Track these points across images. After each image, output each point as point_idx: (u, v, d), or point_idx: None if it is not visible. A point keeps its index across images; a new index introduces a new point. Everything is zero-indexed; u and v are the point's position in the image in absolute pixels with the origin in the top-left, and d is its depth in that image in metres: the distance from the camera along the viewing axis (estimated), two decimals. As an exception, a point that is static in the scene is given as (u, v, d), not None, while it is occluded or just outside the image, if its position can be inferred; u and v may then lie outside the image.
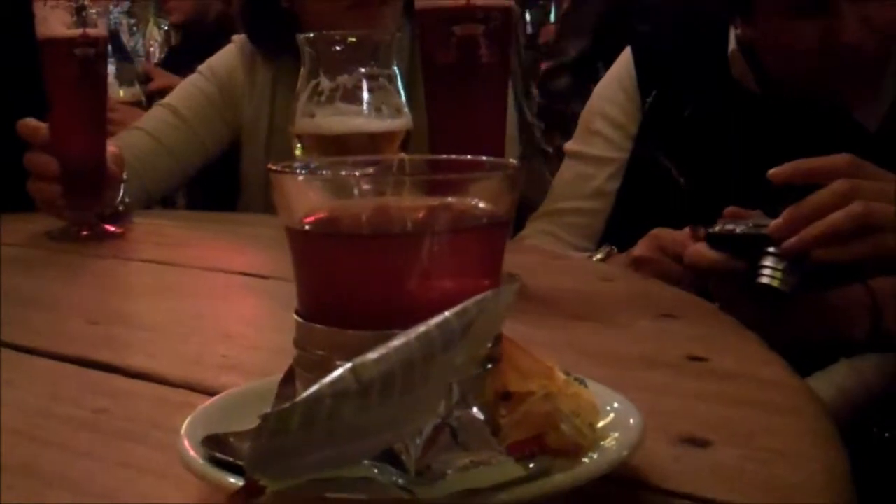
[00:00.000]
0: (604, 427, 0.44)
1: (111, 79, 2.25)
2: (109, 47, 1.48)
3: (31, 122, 1.24)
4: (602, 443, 0.43)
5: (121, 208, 1.29)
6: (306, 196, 0.44)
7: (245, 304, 0.95)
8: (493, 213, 0.42)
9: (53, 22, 1.21)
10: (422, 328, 0.37)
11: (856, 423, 0.98)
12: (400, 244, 0.42)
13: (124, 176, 1.30)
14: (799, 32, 1.12)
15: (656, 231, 1.09)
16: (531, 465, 0.40)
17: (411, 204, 0.42)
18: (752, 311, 0.84)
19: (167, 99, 1.65)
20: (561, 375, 0.45)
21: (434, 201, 0.42)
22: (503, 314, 0.39)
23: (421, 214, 0.42)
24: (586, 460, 0.42)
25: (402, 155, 0.90)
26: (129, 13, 3.49)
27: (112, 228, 1.26)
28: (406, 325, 0.37)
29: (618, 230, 1.27)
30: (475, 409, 0.40)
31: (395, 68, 0.94)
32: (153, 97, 2.31)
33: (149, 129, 1.58)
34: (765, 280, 0.93)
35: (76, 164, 1.23)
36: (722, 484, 0.46)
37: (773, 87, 1.21)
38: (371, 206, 0.42)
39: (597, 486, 0.42)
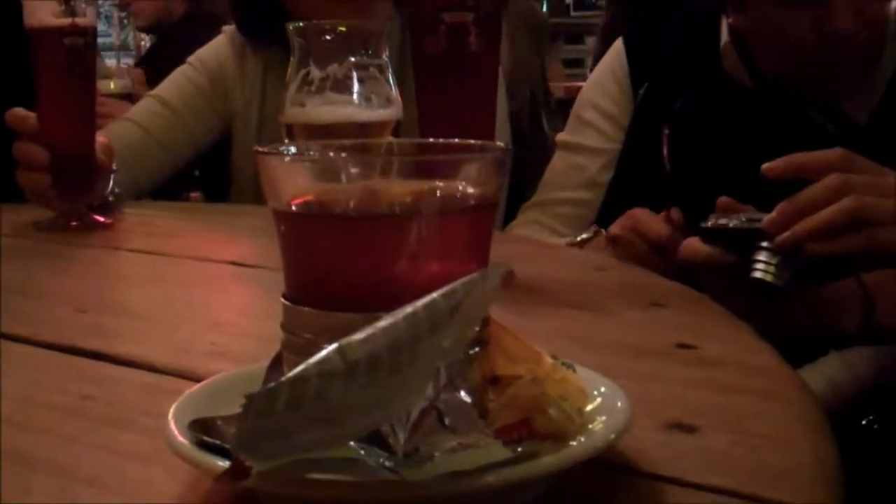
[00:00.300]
0: (591, 411, 0.44)
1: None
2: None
3: (20, 111, 1.23)
4: (589, 426, 0.43)
5: (110, 199, 1.29)
6: (293, 178, 0.43)
7: (234, 293, 0.95)
8: (480, 196, 0.42)
9: (42, 11, 1.20)
10: (409, 309, 0.37)
11: (847, 415, 0.98)
12: (387, 226, 0.42)
13: (114, 166, 1.30)
14: (792, 21, 1.12)
15: (634, 211, 1.09)
16: (519, 449, 0.40)
17: (399, 186, 0.42)
18: (744, 304, 0.85)
19: (157, 90, 1.64)
20: (549, 360, 0.44)
21: (422, 184, 0.42)
22: (491, 296, 0.39)
23: (409, 196, 0.41)
24: (574, 443, 0.41)
25: (391, 138, 0.90)
26: (120, 6, 3.47)
27: (101, 219, 1.25)
28: (393, 307, 0.37)
29: (609, 221, 1.27)
30: (463, 392, 0.40)
31: (386, 58, 0.94)
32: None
33: (138, 119, 1.57)
34: (758, 274, 0.93)
35: (65, 154, 1.23)
36: (710, 468, 0.46)
37: (765, 81, 1.21)
38: (358, 188, 0.42)
39: (584, 470, 0.42)
